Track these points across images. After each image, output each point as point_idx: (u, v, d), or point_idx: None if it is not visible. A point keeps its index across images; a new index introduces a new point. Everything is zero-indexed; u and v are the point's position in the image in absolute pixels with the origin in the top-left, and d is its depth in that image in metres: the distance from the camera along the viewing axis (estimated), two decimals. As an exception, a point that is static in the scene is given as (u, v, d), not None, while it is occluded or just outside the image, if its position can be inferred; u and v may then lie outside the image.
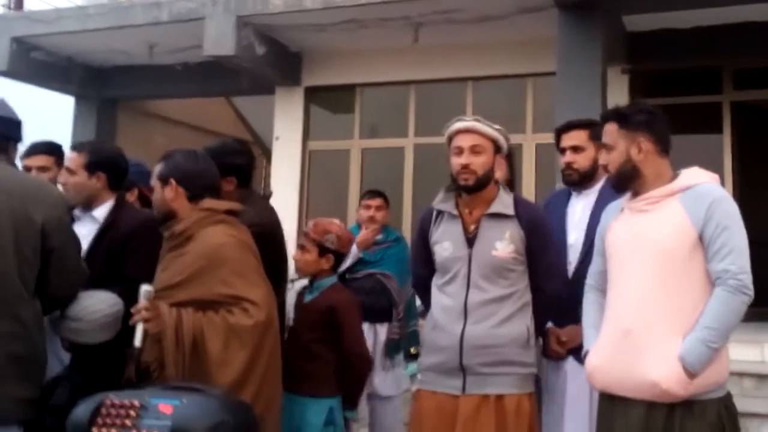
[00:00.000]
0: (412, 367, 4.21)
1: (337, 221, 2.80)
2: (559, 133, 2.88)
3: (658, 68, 6.73)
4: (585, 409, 2.55)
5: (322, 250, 2.68)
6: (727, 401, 2.07)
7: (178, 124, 9.60)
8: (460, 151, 2.42)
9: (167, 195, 2.27)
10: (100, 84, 8.69)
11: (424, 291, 2.60)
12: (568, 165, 2.79)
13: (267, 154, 9.05)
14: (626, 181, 2.21)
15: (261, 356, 2.14)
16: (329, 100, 8.17)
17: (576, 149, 2.75)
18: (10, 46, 7.56)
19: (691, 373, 1.97)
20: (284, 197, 7.23)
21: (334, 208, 7.57)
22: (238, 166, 2.66)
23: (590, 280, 2.33)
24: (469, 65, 7.08)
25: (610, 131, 2.23)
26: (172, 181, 2.26)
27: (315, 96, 8.03)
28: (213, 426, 1.73)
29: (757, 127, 6.87)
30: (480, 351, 2.34)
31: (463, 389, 2.35)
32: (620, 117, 2.22)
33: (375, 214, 3.89)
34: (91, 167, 2.55)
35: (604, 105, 5.42)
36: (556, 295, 2.50)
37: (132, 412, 1.75)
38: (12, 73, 7.74)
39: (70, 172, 2.57)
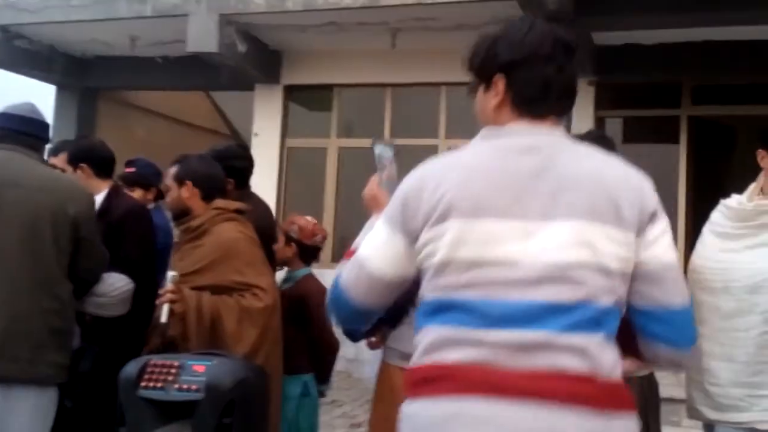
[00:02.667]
0: None
1: (309, 218, 3.13)
2: None
3: (622, 82, 7.10)
4: None
5: (288, 239, 3.02)
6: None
7: (157, 116, 9.69)
8: None
9: (183, 194, 2.55)
10: (81, 73, 8.73)
11: None
12: None
13: (244, 148, 9.20)
14: None
15: (268, 334, 2.44)
16: (307, 99, 8.38)
17: None
18: (-5, 34, 7.59)
19: None
20: (262, 193, 7.33)
21: (311, 204, 7.79)
22: (239, 169, 2.95)
23: None
24: (444, 71, 7.31)
25: None
26: (188, 182, 2.55)
27: (294, 94, 8.23)
28: (239, 381, 2.09)
29: (711, 139, 7.33)
30: None
31: None
32: None
33: None
34: (73, 161, 2.83)
35: (569, 116, 5.77)
36: None
37: (173, 370, 2.10)
38: (-4, 60, 7.78)
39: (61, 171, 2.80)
